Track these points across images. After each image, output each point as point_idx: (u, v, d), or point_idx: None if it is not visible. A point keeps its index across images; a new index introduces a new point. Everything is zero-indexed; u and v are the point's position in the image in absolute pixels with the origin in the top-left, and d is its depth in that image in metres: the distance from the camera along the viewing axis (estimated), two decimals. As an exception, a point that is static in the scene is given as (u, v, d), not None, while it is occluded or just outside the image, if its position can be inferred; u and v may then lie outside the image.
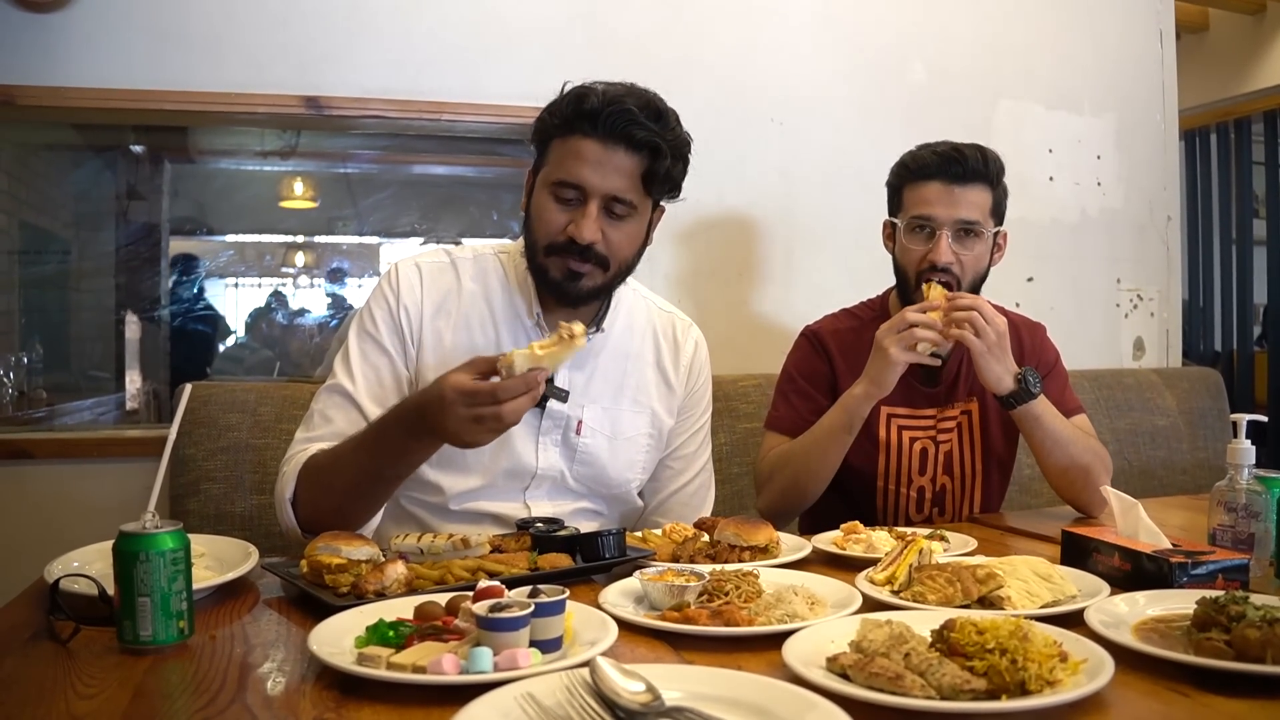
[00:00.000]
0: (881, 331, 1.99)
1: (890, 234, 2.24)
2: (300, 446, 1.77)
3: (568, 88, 1.77)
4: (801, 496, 2.10)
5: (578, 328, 1.52)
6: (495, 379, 1.49)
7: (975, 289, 2.16)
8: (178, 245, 5.57)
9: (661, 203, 1.86)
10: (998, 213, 2.16)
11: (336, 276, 6.27)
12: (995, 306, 2.19)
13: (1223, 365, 5.44)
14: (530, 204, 1.82)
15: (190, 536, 1.23)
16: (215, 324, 5.62)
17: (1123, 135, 3.55)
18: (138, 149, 4.86)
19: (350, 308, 5.87)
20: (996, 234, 2.16)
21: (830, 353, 2.24)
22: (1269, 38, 4.98)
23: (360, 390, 1.79)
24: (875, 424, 2.17)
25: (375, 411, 1.77)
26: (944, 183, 2.09)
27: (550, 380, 1.62)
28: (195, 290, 5.50)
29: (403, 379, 1.82)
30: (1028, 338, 2.27)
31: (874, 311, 2.29)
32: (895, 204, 2.21)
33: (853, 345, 2.22)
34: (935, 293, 2.02)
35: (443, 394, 1.49)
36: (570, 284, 1.76)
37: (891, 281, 2.27)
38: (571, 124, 1.73)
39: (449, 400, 1.48)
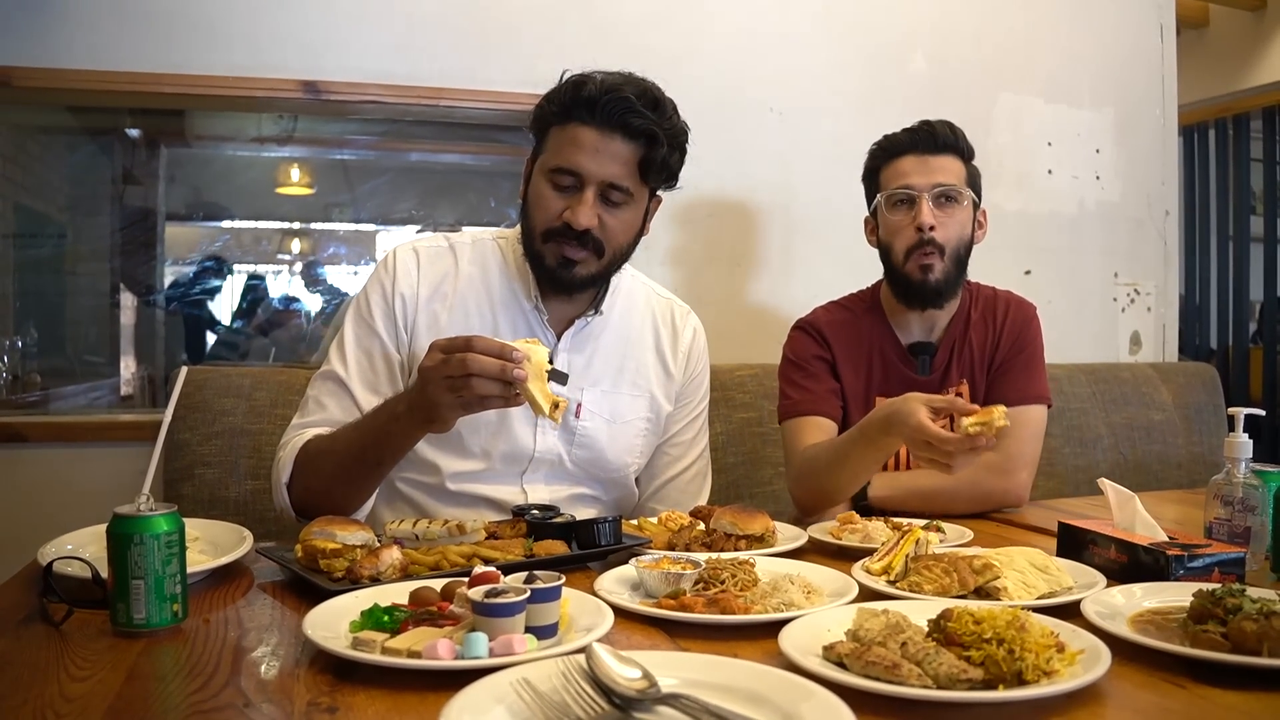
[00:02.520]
0: (919, 429, 1.71)
1: (873, 228, 2.26)
2: (295, 432, 1.80)
3: (566, 76, 1.78)
4: (833, 503, 2.03)
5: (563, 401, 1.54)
6: None
7: (961, 263, 2.18)
8: (174, 230, 5.56)
9: (659, 192, 1.87)
10: (974, 187, 2.20)
11: (332, 263, 6.26)
12: (983, 286, 2.27)
13: (1218, 361, 5.46)
14: (528, 191, 1.83)
15: (184, 520, 1.22)
16: (211, 309, 5.61)
17: (1122, 129, 3.54)
18: (134, 133, 4.85)
19: (345, 295, 5.86)
20: (976, 208, 2.20)
21: (827, 340, 2.24)
22: (1269, 34, 4.98)
23: (353, 376, 1.81)
24: None
25: (367, 397, 1.79)
26: (918, 154, 2.16)
27: (550, 362, 1.62)
28: (192, 275, 5.49)
29: (394, 363, 1.84)
30: (1003, 313, 2.24)
31: (865, 303, 2.30)
32: (873, 189, 2.26)
33: (848, 335, 2.24)
34: (997, 414, 1.67)
35: (426, 354, 1.51)
36: (564, 270, 1.78)
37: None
38: (569, 111, 1.74)
39: (435, 344, 1.50)
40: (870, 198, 2.27)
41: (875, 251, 2.26)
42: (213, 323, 5.63)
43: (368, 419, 1.68)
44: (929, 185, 2.13)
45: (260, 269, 6.14)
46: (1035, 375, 2.20)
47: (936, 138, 2.16)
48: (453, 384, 1.47)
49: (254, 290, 5.95)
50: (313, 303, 6.04)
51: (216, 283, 5.73)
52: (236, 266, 6.09)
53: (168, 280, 5.38)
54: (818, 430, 2.13)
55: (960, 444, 1.67)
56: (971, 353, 2.21)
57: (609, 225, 1.77)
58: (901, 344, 2.23)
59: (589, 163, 1.72)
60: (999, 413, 1.66)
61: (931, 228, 2.11)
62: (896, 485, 2.04)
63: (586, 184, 1.73)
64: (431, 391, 1.50)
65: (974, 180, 2.21)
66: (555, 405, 1.51)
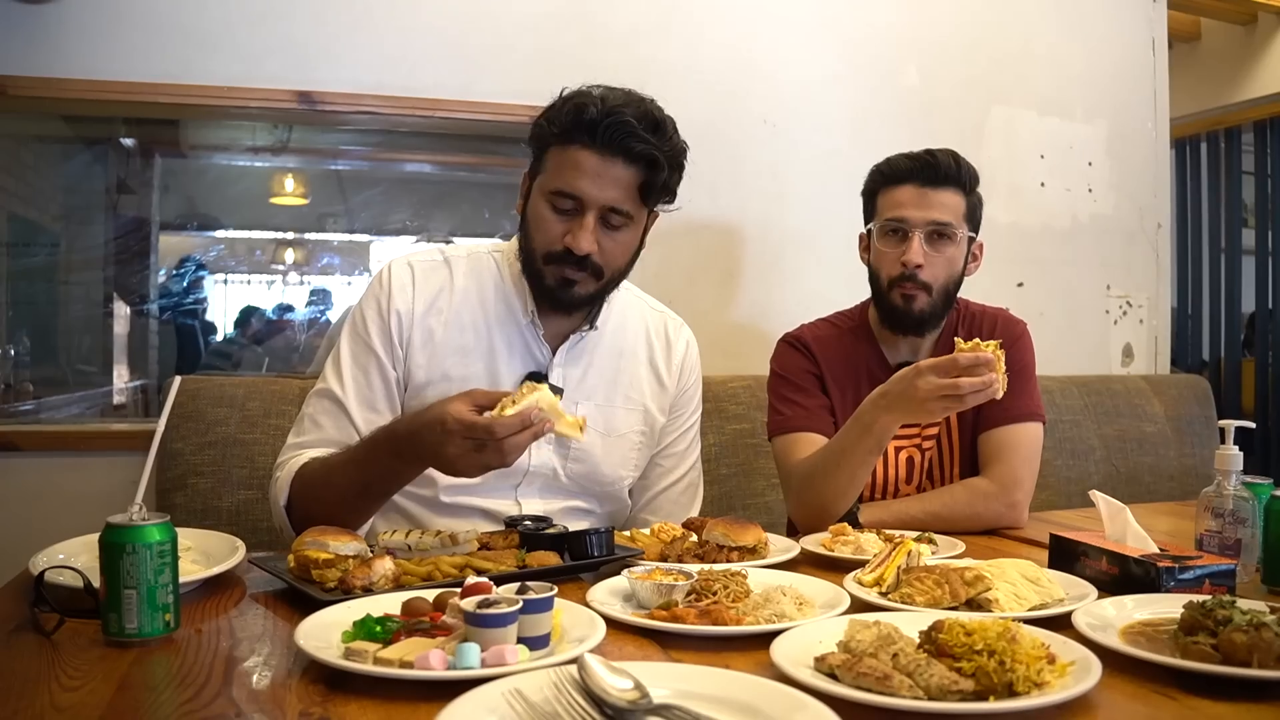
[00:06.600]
0: (927, 387, 1.71)
1: (866, 245, 2.24)
2: (292, 453, 1.78)
3: (566, 93, 1.76)
4: (833, 515, 1.98)
5: (583, 418, 1.60)
6: (489, 414, 1.49)
7: (949, 296, 2.15)
8: (167, 240, 5.55)
9: (656, 209, 1.86)
10: (972, 219, 2.16)
11: (326, 273, 6.25)
12: (971, 304, 2.24)
13: (1210, 373, 5.47)
14: (527, 209, 1.82)
15: (177, 530, 1.22)
16: (204, 319, 5.60)
17: (1114, 142, 3.56)
18: (128, 142, 4.83)
19: (339, 305, 5.86)
20: (972, 242, 2.16)
21: (814, 354, 2.22)
22: (1260, 48, 5.00)
23: (349, 395, 1.80)
24: None
25: (364, 415, 1.78)
26: (917, 186, 2.10)
27: (545, 378, 1.62)
28: (186, 285, 5.48)
29: (391, 380, 1.82)
30: (989, 331, 2.19)
31: (852, 320, 2.29)
32: (870, 211, 2.22)
33: (834, 351, 2.23)
34: (991, 345, 1.69)
35: (444, 421, 1.49)
36: (563, 292, 1.78)
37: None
38: (570, 134, 1.72)
39: (450, 429, 1.48)
40: (866, 218, 2.24)
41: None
42: (206, 332, 5.62)
43: (365, 453, 1.65)
44: (923, 221, 2.09)
45: (254, 279, 6.13)
46: (1024, 392, 2.14)
47: (938, 170, 2.10)
48: (486, 465, 1.52)
49: (248, 300, 5.94)
50: (307, 312, 6.03)
51: (211, 293, 5.72)
52: (230, 277, 6.07)
53: (161, 290, 5.37)
54: (811, 447, 2.10)
55: (970, 380, 1.66)
56: None
57: (608, 248, 1.76)
58: (889, 363, 2.20)
59: (590, 187, 1.71)
60: (992, 345, 1.68)
61: (919, 266, 2.08)
62: (888, 511, 2.02)
63: (587, 208, 1.72)
64: (463, 469, 1.54)
65: (973, 212, 2.16)
66: (581, 428, 1.57)
